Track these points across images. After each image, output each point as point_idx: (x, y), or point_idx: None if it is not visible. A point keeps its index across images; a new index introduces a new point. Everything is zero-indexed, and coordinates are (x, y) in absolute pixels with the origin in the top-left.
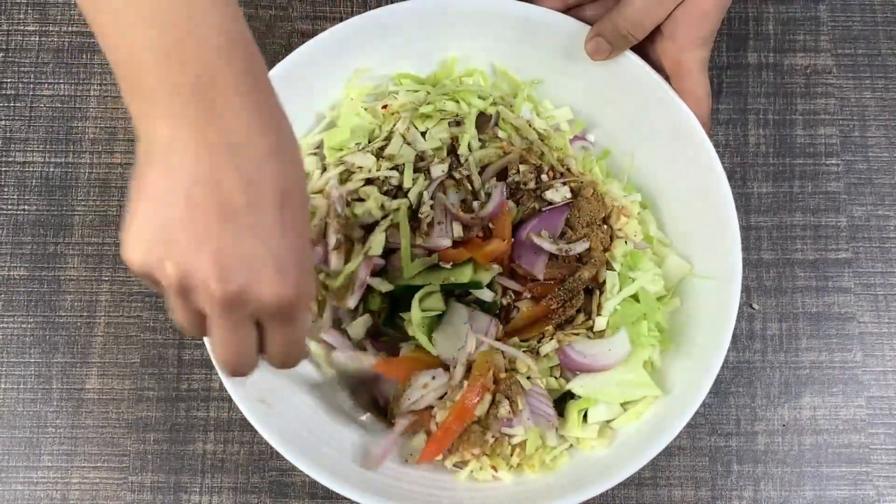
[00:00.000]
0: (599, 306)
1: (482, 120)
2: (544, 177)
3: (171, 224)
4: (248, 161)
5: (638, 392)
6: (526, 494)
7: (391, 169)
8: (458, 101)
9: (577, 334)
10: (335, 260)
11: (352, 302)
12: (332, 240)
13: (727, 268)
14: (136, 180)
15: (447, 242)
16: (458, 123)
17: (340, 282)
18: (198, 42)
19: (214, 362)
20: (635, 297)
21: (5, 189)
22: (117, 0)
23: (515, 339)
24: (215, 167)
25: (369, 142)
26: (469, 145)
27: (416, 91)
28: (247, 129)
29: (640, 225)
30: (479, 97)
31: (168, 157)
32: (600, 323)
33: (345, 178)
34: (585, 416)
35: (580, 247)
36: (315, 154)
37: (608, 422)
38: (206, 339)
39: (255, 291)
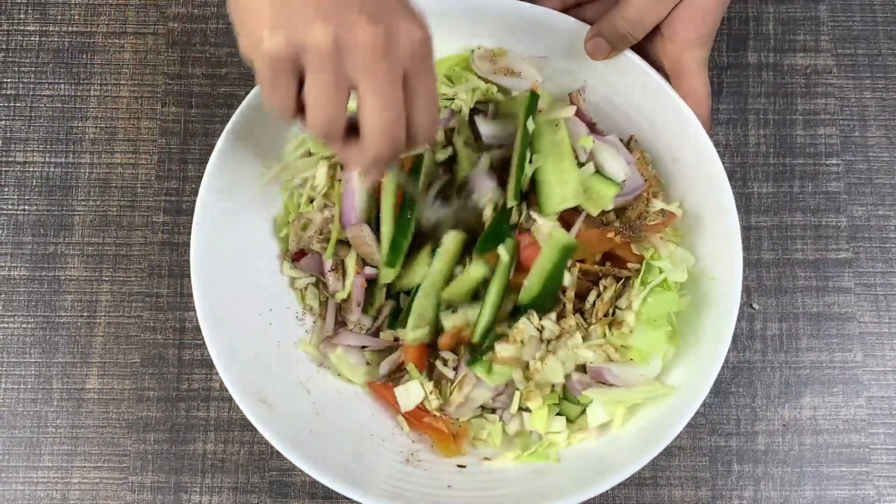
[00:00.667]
0: (630, 299)
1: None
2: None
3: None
4: None
5: (646, 396)
6: (526, 494)
7: None
8: (452, 83)
9: (609, 341)
10: (332, 281)
11: (354, 318)
12: (328, 263)
13: (727, 268)
14: None
15: None
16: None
17: (340, 298)
18: None
19: (367, 148)
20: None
21: (5, 189)
22: None
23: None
24: None
25: None
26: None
27: None
28: None
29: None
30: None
31: None
32: (629, 320)
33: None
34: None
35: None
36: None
37: (606, 423)
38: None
39: (402, 30)
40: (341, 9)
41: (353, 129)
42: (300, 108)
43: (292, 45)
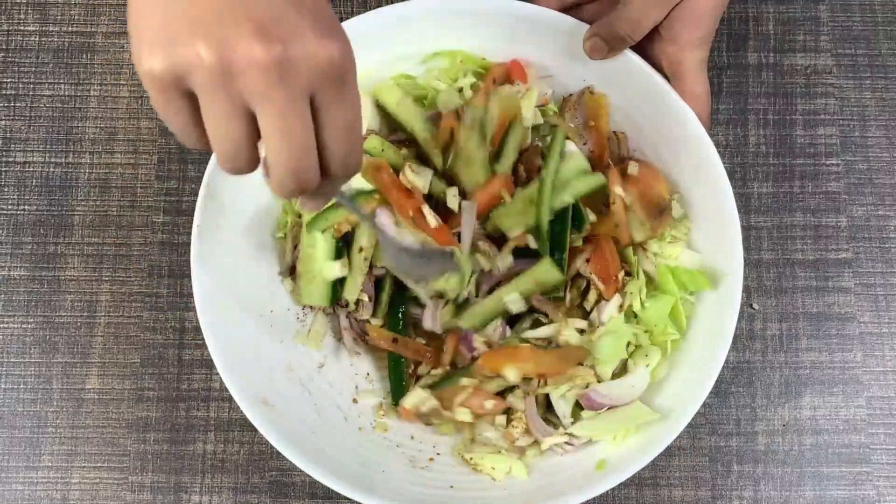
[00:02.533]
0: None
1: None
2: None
3: (194, 6)
4: None
5: (637, 423)
6: (528, 494)
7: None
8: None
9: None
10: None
11: (366, 313)
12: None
13: (728, 268)
14: None
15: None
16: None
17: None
18: None
19: (272, 181)
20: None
21: (5, 189)
22: None
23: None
24: None
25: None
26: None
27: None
28: None
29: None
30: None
31: None
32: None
33: None
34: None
35: None
36: None
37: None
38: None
39: (302, 48)
40: (228, 24)
41: None
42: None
43: (172, 65)
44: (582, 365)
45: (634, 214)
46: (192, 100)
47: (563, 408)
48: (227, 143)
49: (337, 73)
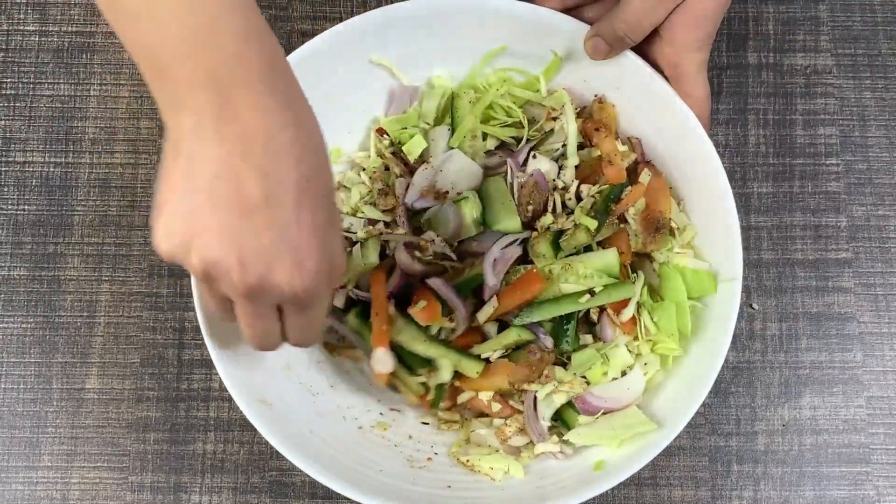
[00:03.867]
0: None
1: None
2: None
3: (195, 218)
4: (265, 155)
5: (633, 431)
6: (526, 494)
7: None
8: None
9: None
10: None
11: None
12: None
13: (727, 268)
14: (163, 170)
15: None
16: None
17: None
18: (218, 33)
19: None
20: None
21: (5, 189)
22: None
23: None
24: (234, 162)
25: None
26: None
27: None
28: (263, 124)
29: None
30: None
31: (191, 149)
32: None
33: None
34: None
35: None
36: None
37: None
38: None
39: (273, 282)
40: (218, 249)
41: None
42: None
43: (172, 258)
44: (557, 365)
45: (630, 226)
46: None
47: (543, 409)
48: (218, 314)
49: (299, 300)
